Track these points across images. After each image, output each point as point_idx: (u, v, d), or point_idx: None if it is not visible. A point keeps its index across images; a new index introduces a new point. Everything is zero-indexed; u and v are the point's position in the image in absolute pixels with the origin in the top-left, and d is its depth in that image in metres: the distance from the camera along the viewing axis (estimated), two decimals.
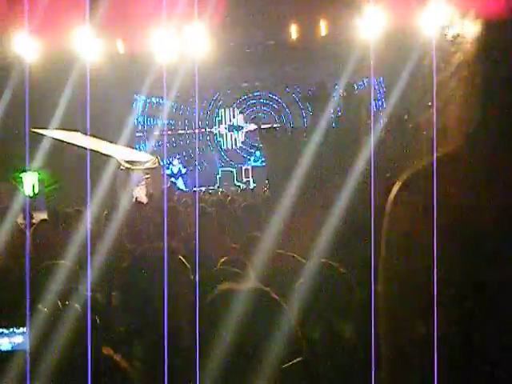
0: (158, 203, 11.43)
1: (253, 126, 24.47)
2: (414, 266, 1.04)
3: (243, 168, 24.37)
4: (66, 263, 4.14)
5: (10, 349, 2.74)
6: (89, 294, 3.23)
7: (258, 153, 23.54)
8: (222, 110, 25.21)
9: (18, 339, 2.76)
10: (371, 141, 10.72)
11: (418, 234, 1.03)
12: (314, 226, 5.28)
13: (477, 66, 1.02)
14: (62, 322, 2.77)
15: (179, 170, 23.54)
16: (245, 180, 23.87)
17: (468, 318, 0.98)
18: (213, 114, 25.14)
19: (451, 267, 1.00)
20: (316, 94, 14.95)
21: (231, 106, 25.16)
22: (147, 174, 16.92)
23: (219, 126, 25.37)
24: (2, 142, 15.11)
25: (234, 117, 25.35)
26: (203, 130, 24.93)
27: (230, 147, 25.39)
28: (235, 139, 25.39)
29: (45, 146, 14.04)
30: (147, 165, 16.98)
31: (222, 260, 4.06)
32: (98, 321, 3.07)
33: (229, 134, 25.44)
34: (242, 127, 25.05)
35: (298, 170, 10.56)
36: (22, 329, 2.79)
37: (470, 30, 1.06)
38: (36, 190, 15.04)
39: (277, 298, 2.55)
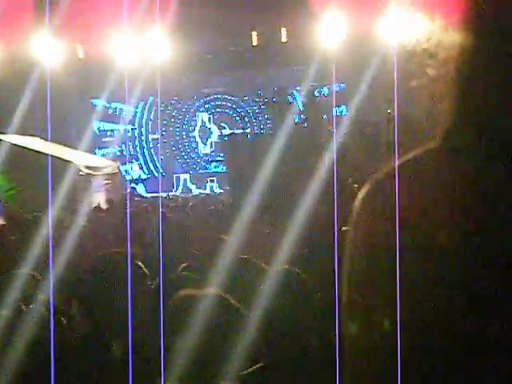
0: (117, 209, 11.34)
1: (216, 132, 24.48)
2: (379, 273, 1.05)
3: (204, 173, 24.35)
4: (25, 271, 4.09)
5: None
6: (51, 300, 3.18)
7: (219, 158, 23.53)
8: (185, 115, 25.15)
9: None
10: (333, 146, 10.80)
11: (383, 239, 1.04)
12: (277, 231, 5.29)
13: (440, 69, 1.03)
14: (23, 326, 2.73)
15: (139, 176, 23.42)
16: (206, 186, 23.82)
17: (430, 319, 0.99)
18: (175, 119, 25.07)
19: (416, 273, 1.00)
20: (277, 99, 15.03)
21: (194, 111, 25.13)
22: (107, 179, 16.77)
23: (184, 132, 25.33)
24: None
25: (196, 122, 25.33)
26: (165, 134, 24.84)
27: (191, 152, 25.34)
28: (198, 145, 25.36)
29: (2, 151, 13.84)
30: (107, 170, 16.84)
31: (183, 265, 4.04)
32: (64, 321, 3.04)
33: (194, 140, 25.41)
34: (211, 132, 25.02)
35: (260, 175, 10.58)
36: None
37: (433, 33, 1.07)
38: None
39: (237, 304, 2.55)
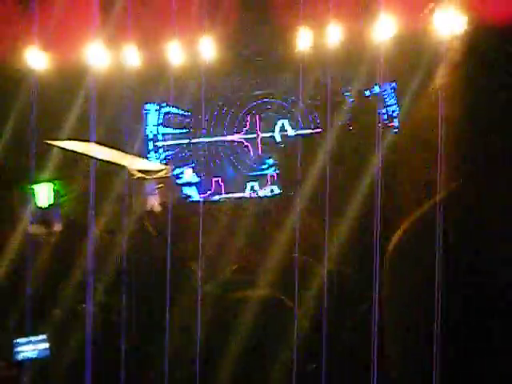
0: (170, 212, 11.44)
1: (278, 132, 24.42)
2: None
3: (255, 176, 24.36)
4: (83, 272, 4.16)
5: (35, 356, 2.75)
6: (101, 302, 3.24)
7: (270, 160, 23.51)
8: (235, 117, 25.22)
9: (41, 346, 2.77)
10: (379, 146, 10.71)
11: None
12: (327, 231, 5.26)
13: (479, 70, 1.03)
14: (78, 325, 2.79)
15: (192, 179, 23.58)
16: (256, 188, 23.83)
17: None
18: (227, 121, 25.17)
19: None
20: (328, 100, 14.96)
21: (247, 113, 25.17)
22: (160, 183, 16.95)
23: (234, 135, 25.38)
24: (16, 153, 15.20)
25: (248, 125, 25.37)
26: (217, 138, 24.95)
27: (244, 155, 25.39)
28: (251, 148, 25.40)
29: (58, 156, 14.13)
30: (160, 174, 17.02)
31: (235, 267, 4.06)
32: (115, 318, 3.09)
33: (245, 142, 25.45)
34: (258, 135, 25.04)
35: (311, 176, 10.54)
36: (42, 336, 2.80)
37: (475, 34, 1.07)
38: (51, 201, 15.12)
39: (291, 304, 2.54)
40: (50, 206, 14.76)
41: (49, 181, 14.63)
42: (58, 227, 10.24)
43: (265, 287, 3.46)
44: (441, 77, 1.13)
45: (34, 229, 9.34)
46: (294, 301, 2.54)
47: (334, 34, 15.19)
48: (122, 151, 16.81)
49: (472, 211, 1.01)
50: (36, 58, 15.80)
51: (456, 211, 1.02)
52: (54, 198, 14.83)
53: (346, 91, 16.73)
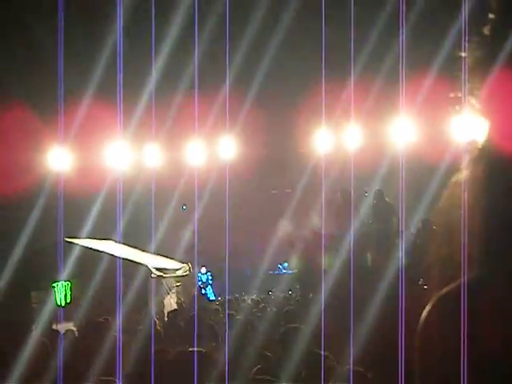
0: (188, 311, 11.38)
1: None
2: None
3: (271, 274, 24.19)
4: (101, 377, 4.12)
5: None
6: None
7: (285, 264, 23.44)
8: None
9: None
10: (402, 246, 10.70)
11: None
12: (347, 330, 5.22)
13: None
14: None
15: (207, 278, 23.48)
16: (275, 287, 23.62)
17: None
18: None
19: None
20: (340, 201, 15.10)
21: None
22: (178, 281, 16.91)
23: None
24: (36, 251, 15.33)
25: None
26: None
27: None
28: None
29: (77, 254, 14.21)
30: (178, 272, 17.00)
31: (256, 368, 4.02)
32: None
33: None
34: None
35: (328, 274, 10.52)
36: None
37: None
38: (68, 299, 15.09)
39: None
40: (67, 304, 14.73)
41: (67, 279, 14.66)
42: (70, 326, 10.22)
43: None
44: (460, 176, 1.19)
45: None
46: None
47: (354, 137, 15.46)
48: (142, 250, 16.89)
49: (496, 299, 1.03)
50: (58, 159, 16.18)
51: (482, 298, 1.04)
52: (71, 297, 14.81)
53: (366, 192, 16.86)
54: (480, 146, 1.15)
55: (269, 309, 12.18)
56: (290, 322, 8.18)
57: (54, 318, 9.94)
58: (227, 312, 9.93)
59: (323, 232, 13.28)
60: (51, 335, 7.58)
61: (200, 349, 3.84)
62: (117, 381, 3.91)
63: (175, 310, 12.89)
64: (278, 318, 9.60)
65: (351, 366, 3.33)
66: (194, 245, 15.08)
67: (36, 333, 9.45)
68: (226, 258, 14.91)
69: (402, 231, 12.80)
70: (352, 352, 3.99)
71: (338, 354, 3.87)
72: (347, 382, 3.03)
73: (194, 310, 11.77)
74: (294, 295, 17.26)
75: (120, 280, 11.36)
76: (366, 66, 13.20)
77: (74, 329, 9.39)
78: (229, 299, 16.13)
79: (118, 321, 7.58)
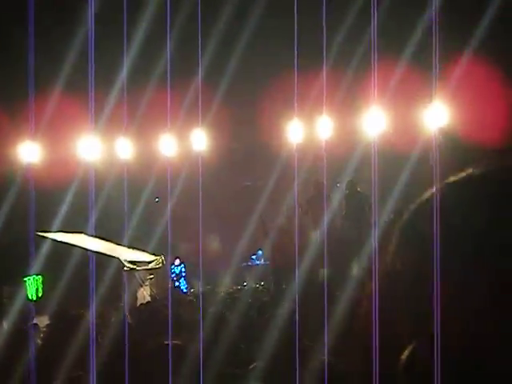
0: (161, 303, 11.35)
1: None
2: None
3: (244, 266, 24.14)
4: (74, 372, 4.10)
5: None
6: None
7: (259, 252, 23.44)
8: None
9: None
10: (375, 235, 10.77)
11: None
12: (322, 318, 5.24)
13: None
14: None
15: (180, 270, 23.40)
16: (247, 278, 23.60)
17: None
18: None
19: None
20: (313, 193, 15.18)
21: None
22: (151, 274, 16.87)
23: None
24: (7, 245, 15.18)
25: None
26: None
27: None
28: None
29: (48, 248, 14.12)
30: (151, 265, 16.96)
31: (230, 361, 4.02)
32: None
33: None
34: None
35: (300, 267, 10.56)
36: None
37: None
38: (39, 294, 14.98)
39: None
40: (38, 298, 14.63)
41: (38, 274, 14.56)
42: (46, 320, 10.13)
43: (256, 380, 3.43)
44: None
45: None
46: None
47: (325, 128, 15.50)
48: (114, 242, 16.81)
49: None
50: (28, 153, 16.04)
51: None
52: (43, 291, 14.71)
53: (337, 183, 16.94)
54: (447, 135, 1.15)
55: (242, 300, 12.18)
56: (263, 314, 8.21)
57: (26, 313, 9.86)
58: (201, 304, 9.91)
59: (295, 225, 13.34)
60: (22, 330, 7.52)
61: (175, 341, 3.84)
62: (89, 375, 3.89)
63: (148, 302, 12.85)
64: (252, 309, 9.61)
65: (326, 356, 3.35)
66: (168, 237, 15.02)
67: (7, 328, 9.37)
68: (199, 250, 14.90)
69: (374, 221, 12.89)
70: (327, 341, 4.02)
71: (315, 342, 3.89)
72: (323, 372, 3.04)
73: (168, 303, 11.74)
74: (266, 286, 17.30)
75: (93, 273, 11.30)
76: (337, 56, 13.24)
77: (46, 323, 9.30)
78: (202, 291, 16.11)
79: (92, 314, 7.53)
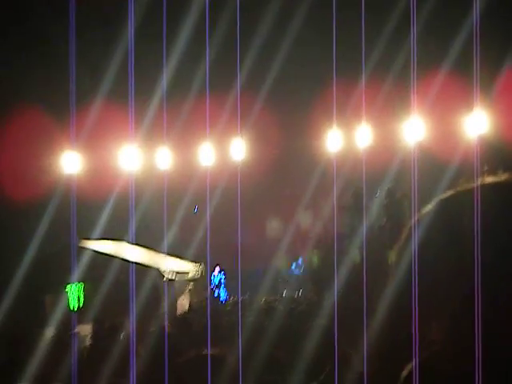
0: (200, 313, 11.39)
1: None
2: None
3: (284, 275, 24.02)
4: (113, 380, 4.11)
5: None
6: None
7: (299, 261, 23.32)
8: None
9: None
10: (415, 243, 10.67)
11: None
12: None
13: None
14: None
15: (220, 280, 23.40)
16: (286, 287, 23.47)
17: None
18: None
19: None
20: (351, 202, 15.09)
21: None
22: (190, 283, 16.93)
23: None
24: (49, 254, 15.39)
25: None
26: None
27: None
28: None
29: (89, 257, 14.26)
30: (190, 275, 17.02)
31: (267, 369, 4.00)
32: None
33: None
34: None
35: (340, 274, 10.50)
36: None
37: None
38: (81, 302, 15.13)
39: None
40: (79, 307, 14.76)
41: (79, 282, 14.69)
42: (87, 328, 10.23)
43: None
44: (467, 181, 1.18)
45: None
46: None
47: (364, 136, 15.41)
48: (154, 250, 16.90)
49: None
50: (72, 162, 16.24)
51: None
52: (84, 299, 14.83)
53: (377, 192, 16.80)
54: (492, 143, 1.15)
55: (281, 309, 12.14)
56: (302, 323, 8.17)
57: (67, 321, 9.97)
58: (240, 314, 9.92)
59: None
60: (64, 338, 7.60)
61: (214, 352, 3.83)
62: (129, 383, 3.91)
63: (187, 312, 12.91)
64: (290, 318, 9.58)
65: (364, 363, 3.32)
66: (207, 245, 15.07)
67: (49, 336, 9.48)
68: (238, 258, 14.89)
69: (414, 227, 12.74)
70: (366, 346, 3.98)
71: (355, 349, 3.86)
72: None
73: (207, 312, 11.78)
74: (303, 295, 17.22)
75: (133, 282, 11.39)
76: (377, 65, 13.16)
77: (87, 332, 9.40)
78: (241, 300, 16.11)
79: (132, 324, 7.58)
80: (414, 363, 1.17)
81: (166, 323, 8.35)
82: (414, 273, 1.24)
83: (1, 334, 7.06)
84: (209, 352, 3.22)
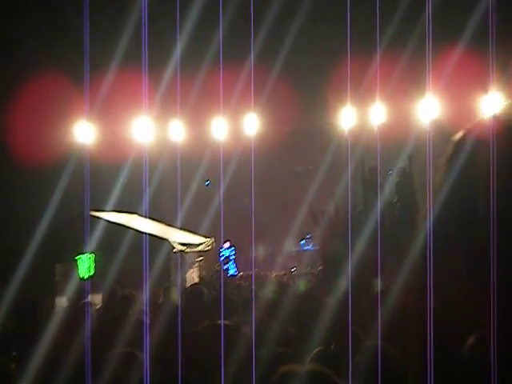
0: (210, 285, 11.46)
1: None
2: None
3: (295, 251, 24.06)
4: (125, 349, 4.15)
5: None
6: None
7: (308, 236, 23.30)
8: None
9: None
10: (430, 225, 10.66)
11: None
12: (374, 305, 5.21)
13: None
14: None
15: (230, 253, 23.50)
16: (295, 263, 23.52)
17: None
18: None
19: None
20: (368, 178, 15.00)
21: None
22: (201, 256, 17.01)
23: None
24: (62, 224, 15.49)
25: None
26: None
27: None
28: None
29: (102, 228, 14.32)
30: (201, 247, 17.10)
31: (277, 341, 4.04)
32: None
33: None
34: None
35: (352, 252, 10.49)
36: None
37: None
38: (91, 272, 15.23)
39: (337, 379, 2.54)
40: (90, 276, 14.86)
41: (91, 252, 14.78)
42: (99, 298, 10.33)
43: (311, 362, 3.44)
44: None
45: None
46: (341, 377, 2.53)
47: (378, 114, 15.37)
48: (166, 223, 16.98)
49: None
50: (84, 133, 16.29)
51: None
52: (95, 269, 14.94)
53: (389, 170, 16.70)
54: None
55: (291, 285, 12.20)
56: (311, 299, 8.21)
57: (79, 291, 10.05)
58: (253, 287, 9.99)
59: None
60: (76, 307, 7.67)
61: (227, 322, 3.88)
62: (142, 353, 3.96)
63: (197, 283, 12.99)
64: (300, 294, 9.63)
65: (379, 342, 3.34)
66: (220, 219, 15.10)
67: (62, 304, 9.58)
68: (251, 233, 14.93)
69: (430, 209, 12.72)
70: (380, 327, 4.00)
71: (366, 328, 3.87)
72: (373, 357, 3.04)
73: (218, 285, 11.86)
74: (312, 271, 17.27)
75: (146, 254, 11.46)
76: (392, 41, 13.07)
77: (99, 301, 9.50)
78: (251, 274, 16.20)
79: (145, 294, 7.65)
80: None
81: (178, 294, 8.44)
82: (428, 248, 1.25)
83: (13, 302, 7.14)
84: (222, 323, 3.27)
